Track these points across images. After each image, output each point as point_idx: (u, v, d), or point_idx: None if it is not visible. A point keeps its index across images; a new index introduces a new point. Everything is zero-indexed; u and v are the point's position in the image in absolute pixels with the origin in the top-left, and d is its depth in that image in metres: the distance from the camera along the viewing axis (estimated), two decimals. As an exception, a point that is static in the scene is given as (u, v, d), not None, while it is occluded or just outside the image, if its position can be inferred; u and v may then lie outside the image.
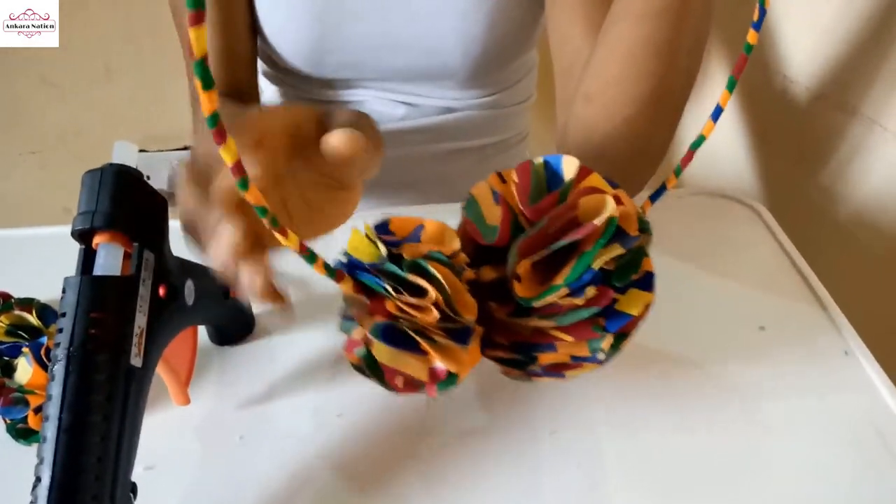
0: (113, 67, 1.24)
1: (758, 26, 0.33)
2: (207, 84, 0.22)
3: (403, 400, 0.43)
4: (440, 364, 0.33)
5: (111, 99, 1.26)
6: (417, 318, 0.32)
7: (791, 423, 0.41)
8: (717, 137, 0.78)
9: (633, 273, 0.35)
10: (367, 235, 0.35)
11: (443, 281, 0.32)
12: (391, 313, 0.33)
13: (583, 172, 0.35)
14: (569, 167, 0.35)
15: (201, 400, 0.43)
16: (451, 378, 0.34)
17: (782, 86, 0.68)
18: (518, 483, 0.38)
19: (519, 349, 0.36)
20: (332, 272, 0.32)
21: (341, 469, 0.39)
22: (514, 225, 0.36)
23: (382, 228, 0.35)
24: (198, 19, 0.20)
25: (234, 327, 0.48)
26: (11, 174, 1.32)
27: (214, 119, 0.23)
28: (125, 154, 0.37)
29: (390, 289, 0.32)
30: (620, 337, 0.35)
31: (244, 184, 0.26)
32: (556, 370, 0.37)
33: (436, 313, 0.32)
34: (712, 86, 0.79)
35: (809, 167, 0.66)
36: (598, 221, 0.33)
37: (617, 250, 0.33)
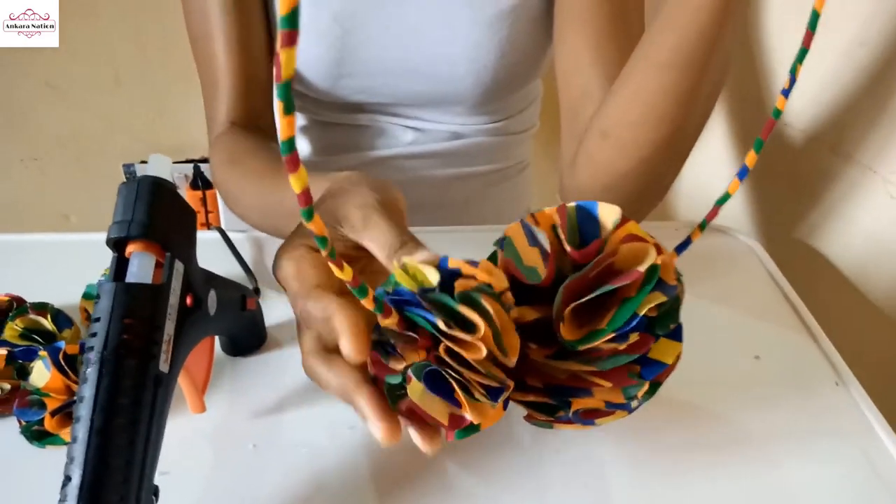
0: (121, 75, 1.25)
1: (787, 93, 0.34)
2: (289, 108, 0.21)
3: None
4: (468, 415, 0.33)
5: (115, 107, 1.27)
6: (460, 366, 0.32)
7: (783, 452, 0.43)
8: (716, 175, 0.80)
9: (672, 322, 0.35)
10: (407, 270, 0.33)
11: (494, 316, 0.32)
12: (437, 356, 0.32)
13: (621, 220, 0.35)
14: (609, 214, 0.35)
15: (215, 408, 0.44)
16: (472, 428, 0.33)
17: (778, 128, 0.71)
18: (523, 501, 0.39)
19: (554, 393, 0.36)
20: (381, 307, 0.31)
21: (352, 480, 0.40)
22: (557, 266, 0.36)
23: None
24: (290, 40, 0.20)
25: (248, 338, 0.49)
26: (11, 178, 1.32)
27: (290, 145, 0.22)
28: (160, 166, 0.38)
29: (441, 324, 0.31)
30: (655, 385, 0.36)
31: (309, 214, 0.25)
32: (588, 416, 0.37)
33: (484, 351, 0.31)
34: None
35: (802, 206, 0.69)
36: (642, 268, 0.33)
37: (660, 297, 0.33)
